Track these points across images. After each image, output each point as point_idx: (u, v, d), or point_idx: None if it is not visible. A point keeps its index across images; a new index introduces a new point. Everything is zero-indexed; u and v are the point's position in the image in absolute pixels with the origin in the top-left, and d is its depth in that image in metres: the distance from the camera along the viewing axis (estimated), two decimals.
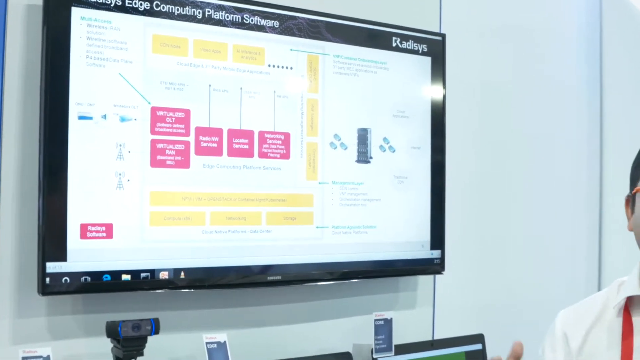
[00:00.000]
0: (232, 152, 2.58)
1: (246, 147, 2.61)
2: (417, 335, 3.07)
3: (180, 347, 2.52)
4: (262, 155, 2.64)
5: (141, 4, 2.44)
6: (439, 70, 3.08)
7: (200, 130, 2.52)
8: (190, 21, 2.52)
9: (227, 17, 2.59)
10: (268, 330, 2.76)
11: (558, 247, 3.70)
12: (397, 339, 2.82)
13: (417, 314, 3.19)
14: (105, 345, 2.31)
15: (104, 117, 2.37)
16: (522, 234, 3.57)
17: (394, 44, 2.97)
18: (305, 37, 2.75)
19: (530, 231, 3.59)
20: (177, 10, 2.50)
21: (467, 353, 3.04)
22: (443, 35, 3.12)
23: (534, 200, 3.62)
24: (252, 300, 2.72)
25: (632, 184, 2.02)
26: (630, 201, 2.03)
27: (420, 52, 3.04)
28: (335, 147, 2.80)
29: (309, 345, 2.79)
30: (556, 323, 2.14)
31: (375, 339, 2.74)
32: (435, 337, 3.17)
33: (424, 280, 3.19)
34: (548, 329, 2.16)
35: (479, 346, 3.07)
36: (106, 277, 2.37)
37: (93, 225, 2.35)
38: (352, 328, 2.93)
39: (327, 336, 2.88)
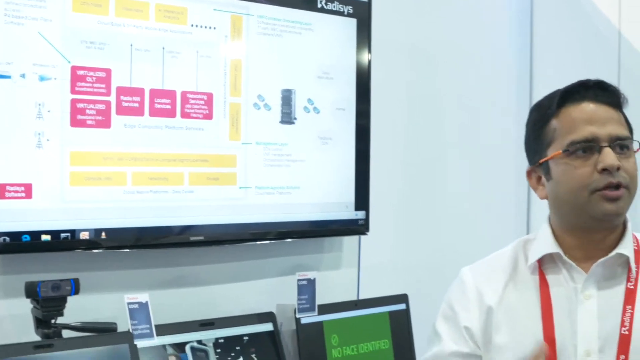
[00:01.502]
0: (154, 112, 2.57)
1: (168, 107, 2.59)
2: (342, 295, 3.09)
3: (101, 307, 2.51)
4: (185, 115, 2.63)
5: None
6: (364, 33, 3.09)
7: (121, 90, 2.50)
8: None
9: None
10: (191, 291, 2.75)
11: (485, 208, 3.74)
12: (322, 300, 2.85)
13: (342, 274, 3.21)
14: (25, 306, 2.29)
15: (23, 76, 2.34)
16: (448, 194, 3.60)
17: (319, 5, 2.97)
18: None
19: (456, 192, 3.63)
20: None
21: (391, 313, 3.07)
22: None
23: (461, 161, 3.66)
24: (174, 260, 2.71)
25: (536, 154, 2.07)
26: (533, 172, 2.08)
27: (345, 13, 3.04)
28: (259, 108, 2.80)
29: (232, 305, 2.79)
30: (465, 281, 2.14)
31: (299, 299, 2.76)
32: (360, 298, 3.20)
33: (349, 241, 3.21)
34: (452, 286, 2.18)
35: (402, 306, 3.11)
36: (25, 238, 2.35)
37: (12, 185, 2.33)
38: (275, 288, 2.94)
39: (250, 297, 2.88)
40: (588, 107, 1.98)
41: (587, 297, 1.98)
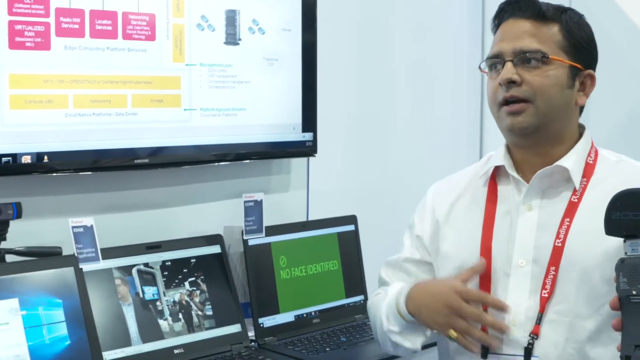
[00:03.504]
0: (95, 34, 2.51)
1: (109, 28, 2.54)
2: (292, 218, 3.10)
3: (46, 232, 2.49)
4: (127, 36, 2.58)
5: None
6: None
7: (60, 11, 2.44)
8: None
9: None
10: (137, 215, 2.74)
11: (436, 130, 3.75)
12: (272, 222, 2.84)
13: (291, 197, 3.21)
14: None
15: None
16: (397, 117, 3.60)
17: None
18: None
19: (405, 114, 3.63)
20: None
21: (340, 234, 3.08)
22: None
23: (411, 82, 3.65)
24: (119, 184, 2.69)
25: None
26: None
27: None
28: (203, 29, 2.76)
29: (179, 228, 2.79)
30: (428, 194, 2.25)
31: (246, 221, 2.76)
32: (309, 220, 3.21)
33: (297, 163, 3.20)
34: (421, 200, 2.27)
35: (351, 227, 3.11)
36: None
37: None
38: (223, 211, 2.93)
39: (197, 220, 2.87)
40: (507, 24, 2.04)
41: (528, 209, 2.02)
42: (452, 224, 2.13)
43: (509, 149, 2.09)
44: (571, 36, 2.00)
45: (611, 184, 1.92)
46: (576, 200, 1.99)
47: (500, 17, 2.05)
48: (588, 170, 2.02)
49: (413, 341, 2.10)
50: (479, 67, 2.09)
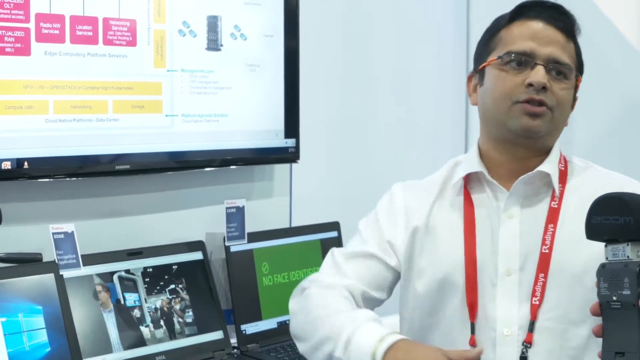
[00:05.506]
0: (75, 39, 2.50)
1: (90, 34, 2.53)
2: (275, 224, 3.08)
3: (27, 238, 2.47)
4: (107, 42, 2.57)
5: None
6: None
7: (40, 17, 2.43)
8: None
9: None
10: (118, 221, 2.72)
11: (419, 136, 3.75)
12: (253, 228, 2.84)
13: (274, 203, 3.19)
14: None
15: None
16: (381, 122, 3.59)
17: None
18: None
19: (389, 119, 3.62)
20: None
21: (323, 240, 3.07)
22: None
23: (395, 88, 3.64)
24: (100, 190, 2.67)
25: (479, 61, 2.07)
26: (473, 78, 2.08)
27: None
28: (184, 35, 2.75)
29: (161, 235, 2.77)
30: (395, 196, 2.17)
31: (227, 227, 2.75)
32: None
33: (280, 169, 3.19)
34: (382, 201, 2.20)
35: (334, 234, 3.11)
36: None
37: None
38: (206, 217, 2.91)
39: (180, 226, 2.85)
40: (537, 25, 1.98)
41: (509, 217, 1.99)
42: (430, 234, 2.08)
43: (480, 154, 2.06)
44: (579, 56, 2.03)
45: (589, 189, 1.90)
46: (556, 206, 1.98)
47: (522, 13, 2.00)
48: (561, 177, 2.01)
49: None
50: (500, 57, 1.98)
